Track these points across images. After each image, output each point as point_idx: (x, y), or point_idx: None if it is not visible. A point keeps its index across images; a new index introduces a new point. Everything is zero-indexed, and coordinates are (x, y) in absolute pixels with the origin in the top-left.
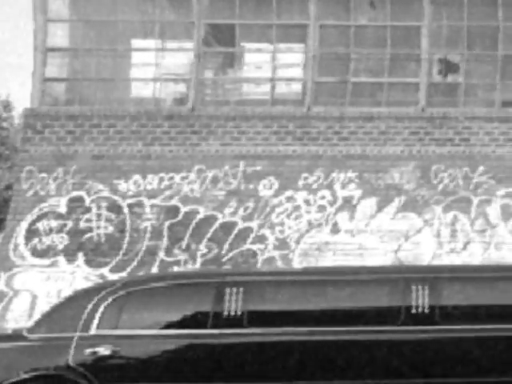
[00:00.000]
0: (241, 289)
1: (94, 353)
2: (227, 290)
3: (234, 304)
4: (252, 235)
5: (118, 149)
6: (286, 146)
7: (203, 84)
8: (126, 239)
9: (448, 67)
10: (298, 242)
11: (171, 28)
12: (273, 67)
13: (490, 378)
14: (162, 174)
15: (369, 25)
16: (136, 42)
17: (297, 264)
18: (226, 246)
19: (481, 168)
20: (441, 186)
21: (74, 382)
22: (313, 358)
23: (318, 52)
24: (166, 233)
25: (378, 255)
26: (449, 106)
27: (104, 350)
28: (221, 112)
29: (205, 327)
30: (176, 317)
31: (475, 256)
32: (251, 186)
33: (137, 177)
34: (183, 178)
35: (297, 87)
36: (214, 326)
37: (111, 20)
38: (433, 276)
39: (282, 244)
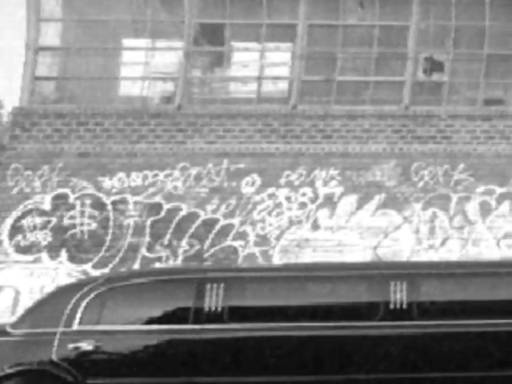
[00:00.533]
0: (221, 285)
1: (77, 348)
2: (208, 286)
3: (214, 300)
4: (233, 232)
5: (104, 147)
6: (269, 143)
7: (191, 83)
8: (109, 236)
9: (433, 66)
10: (278, 238)
11: (162, 27)
12: (260, 66)
13: (467, 373)
14: (146, 172)
15: (357, 24)
16: (127, 41)
17: (277, 260)
18: (208, 243)
19: (461, 165)
20: (421, 184)
21: (57, 377)
22: (293, 353)
23: (305, 51)
24: (148, 229)
25: (358, 251)
26: (432, 105)
27: (87, 345)
28: (207, 110)
29: (186, 322)
30: (158, 312)
31: (453, 252)
32: (234, 184)
33: (121, 174)
34: (167, 176)
35: (283, 86)
36: (196, 322)
37: (103, 19)
38: (411, 272)
39: (263, 240)
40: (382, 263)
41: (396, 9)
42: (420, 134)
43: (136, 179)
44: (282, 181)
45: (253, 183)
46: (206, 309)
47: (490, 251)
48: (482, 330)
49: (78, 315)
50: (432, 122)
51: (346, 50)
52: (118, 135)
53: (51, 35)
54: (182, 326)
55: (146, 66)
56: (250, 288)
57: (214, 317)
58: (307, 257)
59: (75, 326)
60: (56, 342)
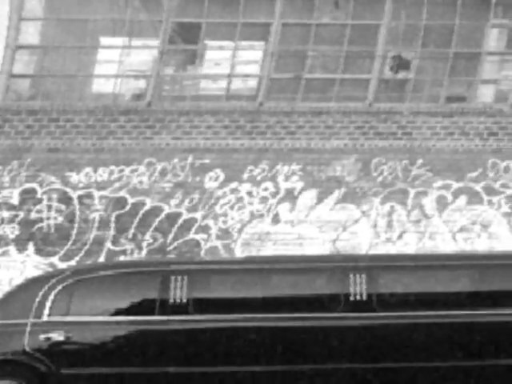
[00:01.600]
0: (185, 277)
1: (48, 338)
2: (172, 279)
3: (179, 292)
4: (196, 225)
5: (72, 142)
6: (234, 139)
7: (162, 80)
8: (75, 229)
9: (400, 64)
10: (240, 232)
11: (140, 26)
12: (232, 64)
13: (425, 363)
14: (112, 167)
15: (329, 23)
16: (104, 40)
17: (239, 253)
18: (171, 236)
19: (420, 161)
20: (380, 178)
21: (31, 367)
22: (257, 344)
23: (276, 49)
24: (113, 223)
25: (317, 245)
26: (396, 102)
27: (57, 336)
28: (176, 107)
29: (153, 314)
30: (125, 304)
31: (410, 245)
32: (198, 179)
33: (88, 169)
34: (133, 171)
35: (252, 83)
36: (162, 313)
37: (83, 19)
38: (370, 265)
39: (225, 234)
40: (341, 256)
41: (370, 8)
42: (381, 131)
43: (102, 174)
44: (245, 176)
45: (216, 178)
46: (172, 301)
47: (446, 244)
48: (439, 321)
49: (47, 306)
50: (394, 119)
51: (317, 48)
52: (87, 131)
53: (31, 34)
54: (149, 318)
55: (121, 64)
56: (213, 280)
57: (180, 308)
58: (268, 250)
59: (45, 317)
60: (27, 333)
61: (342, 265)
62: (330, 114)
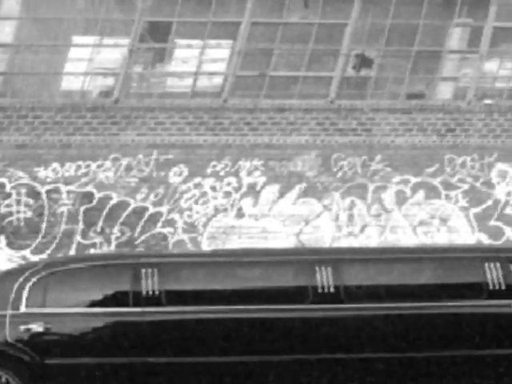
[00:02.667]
0: (155, 270)
1: (28, 329)
2: (143, 271)
3: (151, 284)
4: (162, 219)
5: (40, 138)
6: (198, 135)
7: (131, 78)
8: (45, 223)
9: (363, 62)
10: (205, 225)
11: (113, 26)
12: (199, 62)
13: (391, 354)
14: (79, 162)
15: (297, 23)
16: (76, 39)
17: (205, 246)
18: (138, 230)
19: (378, 156)
20: (340, 174)
21: (15, 357)
22: (230, 335)
23: (243, 48)
24: (81, 217)
25: (281, 238)
26: (358, 99)
27: (37, 327)
28: (142, 104)
29: (128, 306)
30: (100, 296)
31: (372, 239)
32: (162, 174)
33: (56, 165)
34: (99, 166)
35: (218, 81)
36: (136, 305)
37: (57, 18)
38: (335, 258)
39: (191, 228)
40: (307, 249)
41: (338, 7)
42: (342, 127)
43: (69, 169)
44: (209, 171)
45: (180, 173)
46: (144, 293)
47: (407, 238)
48: (404, 313)
49: (23, 299)
50: (354, 115)
51: (283, 46)
52: (54, 127)
53: (7, 33)
54: (124, 309)
55: (90, 63)
56: (183, 273)
57: (153, 300)
58: (234, 243)
59: (23, 309)
60: (7, 324)
61: (309, 258)
62: (291, 110)
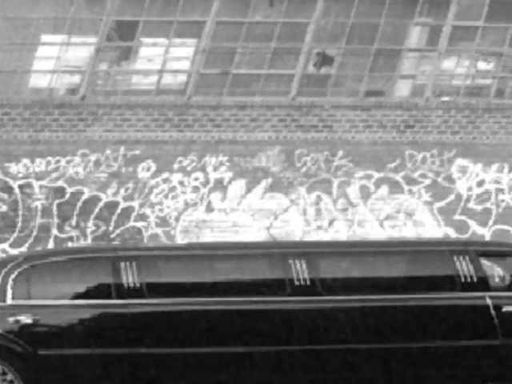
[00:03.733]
0: (134, 263)
1: (18, 321)
2: (122, 264)
3: (131, 277)
4: (134, 214)
5: (10, 135)
6: (163, 132)
7: (97, 75)
8: (20, 217)
9: (324, 60)
10: (177, 219)
11: (81, 25)
12: (163, 60)
13: (367, 345)
14: (49, 158)
15: (261, 21)
16: (45, 37)
17: (180, 240)
18: (112, 224)
19: (340, 152)
20: (304, 169)
21: (7, 348)
22: (210, 327)
23: (208, 46)
24: (55, 211)
25: (252, 232)
26: (318, 96)
27: (26, 319)
28: (109, 101)
29: (110, 298)
30: (84, 288)
31: (341, 233)
32: (131, 169)
33: (26, 160)
34: (68, 162)
35: (182, 79)
36: (119, 297)
37: (27, 17)
38: (308, 251)
39: (163, 222)
40: (282, 243)
41: (302, 7)
42: (303, 123)
43: (40, 165)
44: (176, 166)
45: (148, 168)
46: (125, 285)
47: (375, 231)
48: (377, 305)
49: (9, 291)
50: (315, 112)
51: (247, 45)
52: (23, 124)
53: None
54: (108, 301)
55: (58, 61)
56: (161, 266)
57: (134, 292)
58: (207, 237)
59: (9, 301)
60: None
61: (284, 251)
62: (254, 107)
